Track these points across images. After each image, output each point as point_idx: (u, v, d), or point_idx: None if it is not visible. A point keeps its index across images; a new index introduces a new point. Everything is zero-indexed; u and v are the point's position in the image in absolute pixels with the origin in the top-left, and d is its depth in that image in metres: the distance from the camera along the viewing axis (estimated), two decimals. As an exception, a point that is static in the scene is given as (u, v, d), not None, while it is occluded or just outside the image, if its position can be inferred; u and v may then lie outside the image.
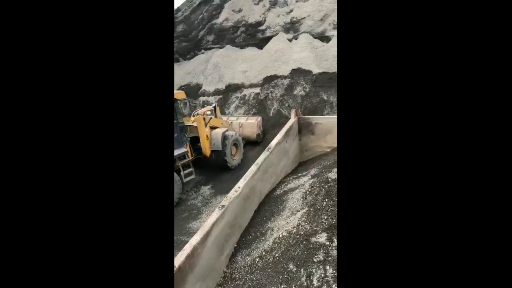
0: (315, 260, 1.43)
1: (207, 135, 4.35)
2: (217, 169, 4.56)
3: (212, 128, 4.64)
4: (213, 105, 5.10)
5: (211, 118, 4.58)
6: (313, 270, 1.38)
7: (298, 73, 6.54)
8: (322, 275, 1.34)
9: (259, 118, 5.74)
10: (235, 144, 4.82)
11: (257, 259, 1.69)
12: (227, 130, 4.78)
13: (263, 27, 7.66)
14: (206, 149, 4.35)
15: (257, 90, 6.68)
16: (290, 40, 7.22)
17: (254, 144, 5.46)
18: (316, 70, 6.41)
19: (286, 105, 6.19)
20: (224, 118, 5.44)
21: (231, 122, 5.45)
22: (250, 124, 5.54)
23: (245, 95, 6.72)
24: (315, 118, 3.26)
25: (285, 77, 6.62)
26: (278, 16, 7.59)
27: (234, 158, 4.74)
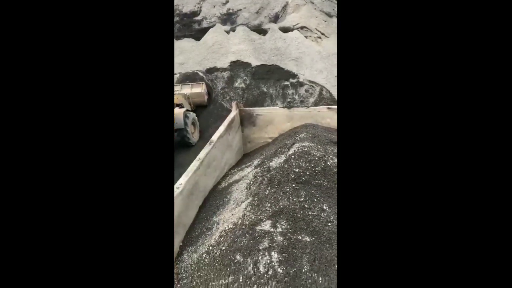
0: (260, 247, 1.47)
1: None
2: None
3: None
4: None
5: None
6: (259, 258, 1.42)
7: (237, 66, 6.54)
8: (268, 261, 1.38)
9: (203, 85, 6.12)
10: (193, 123, 5.31)
11: (204, 255, 1.66)
12: (187, 110, 5.28)
13: (199, 18, 7.43)
14: None
15: (197, 83, 6.50)
16: (227, 32, 7.17)
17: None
18: (255, 63, 6.50)
19: (228, 97, 6.18)
20: None
21: (177, 94, 5.76)
22: (198, 94, 6.04)
23: (184, 88, 6.48)
24: (256, 110, 3.30)
25: (224, 69, 6.56)
26: (214, 6, 7.45)
27: (193, 135, 5.21)
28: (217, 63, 6.55)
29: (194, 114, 5.31)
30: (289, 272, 1.32)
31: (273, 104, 6.05)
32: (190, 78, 6.17)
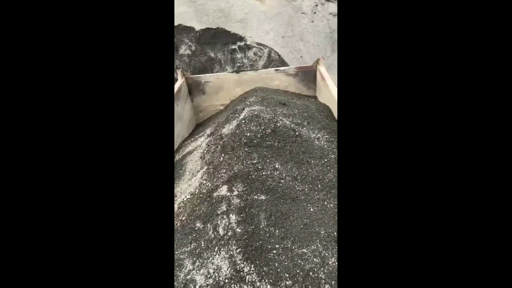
0: (219, 212, 1.51)
1: None
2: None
3: None
4: None
5: None
6: (218, 222, 1.47)
7: (180, 31, 6.07)
8: (227, 224, 1.44)
9: None
10: None
11: (165, 228, 1.66)
12: None
13: (128, -23, 6.57)
14: None
15: (137, 52, 5.95)
16: (164, -7, 6.51)
17: None
18: (198, 27, 6.09)
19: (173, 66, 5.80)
20: None
21: None
22: None
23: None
24: (203, 77, 3.18)
25: (166, 35, 6.07)
26: (144, -37, 6.61)
27: None
28: (157, 29, 6.03)
29: None
30: (247, 230, 1.39)
31: (222, 70, 5.87)
32: None
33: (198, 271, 1.31)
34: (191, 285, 1.27)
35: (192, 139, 2.68)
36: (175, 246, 1.50)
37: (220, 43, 6.19)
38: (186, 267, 1.35)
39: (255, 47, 6.24)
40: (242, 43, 6.20)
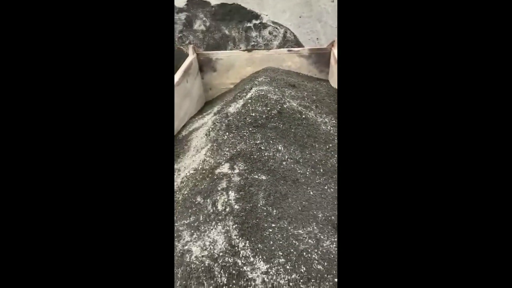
0: (219, 188, 1.54)
1: None
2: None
3: None
4: None
5: None
6: (218, 197, 1.50)
7: (195, 5, 5.93)
8: (226, 200, 1.47)
9: None
10: None
11: (167, 200, 1.71)
12: None
13: None
14: None
15: (151, 26, 5.87)
16: (180, -36, 6.31)
17: None
18: (214, 2, 5.93)
19: (187, 42, 5.72)
20: None
21: None
22: None
23: (137, 32, 5.85)
24: (215, 54, 3.14)
25: (181, 9, 5.93)
26: None
27: None
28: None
29: None
30: (245, 208, 1.42)
31: (236, 48, 5.76)
32: None
33: (194, 243, 1.36)
34: (187, 254, 1.32)
35: (200, 116, 2.70)
36: (175, 218, 1.55)
37: (235, 20, 6.02)
38: (184, 238, 1.41)
39: (270, 26, 6.05)
40: (257, 21, 6.02)
